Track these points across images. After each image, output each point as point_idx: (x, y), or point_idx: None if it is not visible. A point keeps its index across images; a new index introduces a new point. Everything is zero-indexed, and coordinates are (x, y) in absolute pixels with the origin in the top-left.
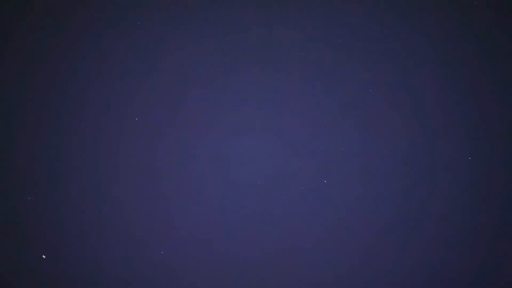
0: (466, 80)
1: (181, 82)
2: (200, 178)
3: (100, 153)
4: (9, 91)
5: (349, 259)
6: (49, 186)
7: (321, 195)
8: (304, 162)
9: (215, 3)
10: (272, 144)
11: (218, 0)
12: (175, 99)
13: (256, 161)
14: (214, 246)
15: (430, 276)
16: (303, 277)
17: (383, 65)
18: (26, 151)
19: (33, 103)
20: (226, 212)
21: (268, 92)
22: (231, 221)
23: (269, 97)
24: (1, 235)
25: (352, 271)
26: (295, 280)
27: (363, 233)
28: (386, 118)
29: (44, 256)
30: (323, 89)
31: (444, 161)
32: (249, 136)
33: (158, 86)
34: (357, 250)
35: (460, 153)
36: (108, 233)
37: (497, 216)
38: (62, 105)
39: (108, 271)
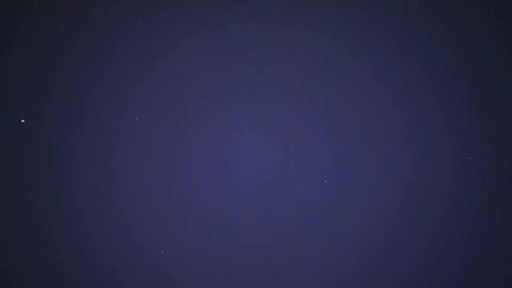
0: (466, 80)
1: (182, 82)
2: (200, 178)
3: (100, 153)
4: (9, 91)
5: (349, 259)
6: (49, 186)
7: (321, 195)
8: (304, 162)
9: (216, 4)
10: (272, 144)
11: (218, 1)
12: (176, 99)
13: (256, 161)
14: (214, 247)
15: (431, 276)
16: (303, 277)
17: (383, 65)
18: (26, 151)
19: (33, 103)
20: (226, 212)
21: (268, 92)
22: (231, 221)
23: (270, 97)
24: (1, 235)
25: (353, 271)
26: (295, 280)
27: (364, 233)
28: (386, 118)
29: (23, 121)
30: (323, 89)
31: (444, 161)
32: (249, 136)
33: (158, 86)
34: (357, 250)
35: (460, 153)
36: (108, 234)
37: (497, 217)
38: (62, 104)
39: (108, 272)
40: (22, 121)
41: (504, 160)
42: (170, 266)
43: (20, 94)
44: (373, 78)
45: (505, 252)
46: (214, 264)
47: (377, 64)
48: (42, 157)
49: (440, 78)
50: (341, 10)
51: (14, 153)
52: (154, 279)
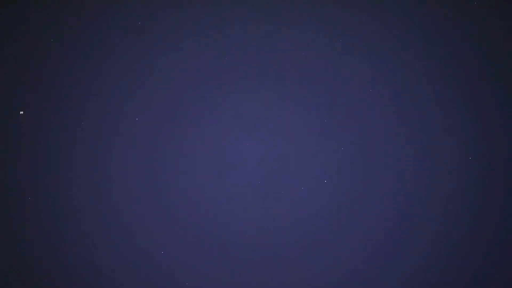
0: (466, 80)
1: (182, 82)
2: (200, 178)
3: (100, 153)
4: (9, 92)
5: (349, 259)
6: (49, 186)
7: (321, 195)
8: (304, 162)
9: (216, 4)
10: (272, 144)
11: (218, 1)
12: (175, 99)
13: (256, 161)
14: (214, 247)
15: (431, 276)
16: (303, 277)
17: (383, 65)
18: (26, 151)
19: (33, 103)
20: (226, 212)
21: (268, 92)
22: (231, 221)
23: (270, 97)
24: (1, 235)
25: (353, 271)
26: (295, 280)
27: (364, 233)
28: (386, 118)
29: (21, 112)
30: (323, 89)
31: (444, 161)
32: (249, 136)
33: (158, 86)
34: (357, 250)
35: (460, 153)
36: (108, 234)
37: (497, 217)
38: (62, 105)
39: (108, 272)
40: (21, 112)
41: (504, 160)
42: (170, 266)
43: (20, 95)
44: (373, 78)
45: (505, 252)
46: (214, 264)
47: (377, 64)
48: (42, 157)
49: (440, 78)
50: (341, 10)
51: (14, 153)
52: (154, 279)
